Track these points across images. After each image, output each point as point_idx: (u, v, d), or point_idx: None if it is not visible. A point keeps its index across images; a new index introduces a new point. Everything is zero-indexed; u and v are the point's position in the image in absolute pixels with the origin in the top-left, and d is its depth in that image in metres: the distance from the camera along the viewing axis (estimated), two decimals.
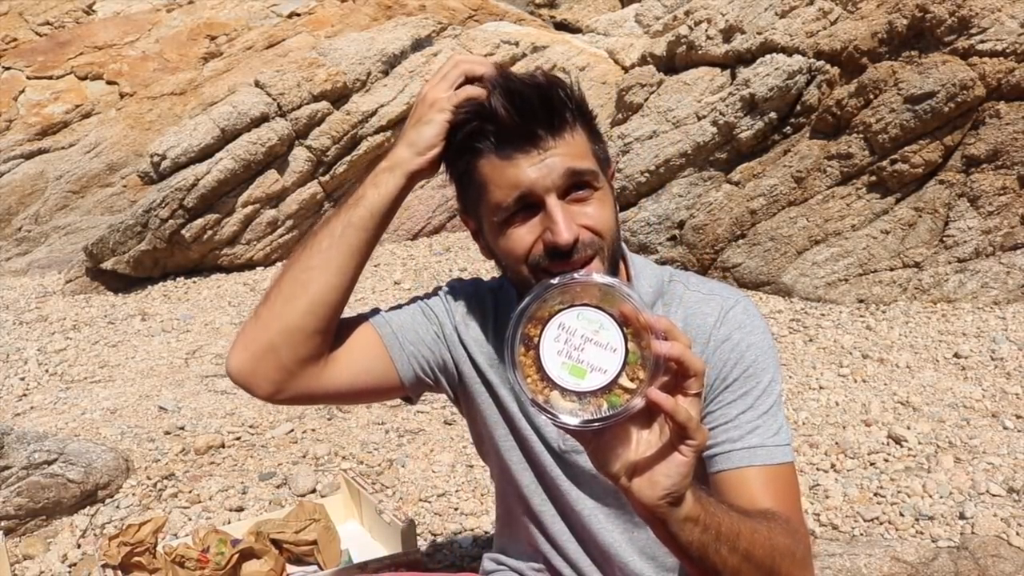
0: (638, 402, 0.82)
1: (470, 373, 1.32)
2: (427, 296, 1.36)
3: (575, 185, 1.11)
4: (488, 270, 5.17)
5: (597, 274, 0.86)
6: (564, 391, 0.82)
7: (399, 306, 1.35)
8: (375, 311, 1.32)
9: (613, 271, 1.17)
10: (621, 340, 0.82)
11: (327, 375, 1.23)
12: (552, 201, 1.10)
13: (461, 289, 1.36)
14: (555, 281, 0.85)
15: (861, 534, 2.36)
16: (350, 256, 1.19)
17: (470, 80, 1.16)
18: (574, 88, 1.15)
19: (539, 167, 1.09)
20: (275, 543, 2.26)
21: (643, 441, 0.86)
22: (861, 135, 4.08)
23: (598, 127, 1.20)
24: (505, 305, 1.31)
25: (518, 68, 5.00)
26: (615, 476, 0.87)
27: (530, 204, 1.11)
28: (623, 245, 1.26)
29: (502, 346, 1.26)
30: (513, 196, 1.10)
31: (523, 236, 1.12)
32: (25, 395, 3.79)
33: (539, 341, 0.83)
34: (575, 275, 0.85)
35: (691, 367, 0.83)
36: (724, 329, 1.22)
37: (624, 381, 0.82)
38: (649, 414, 0.85)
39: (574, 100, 1.13)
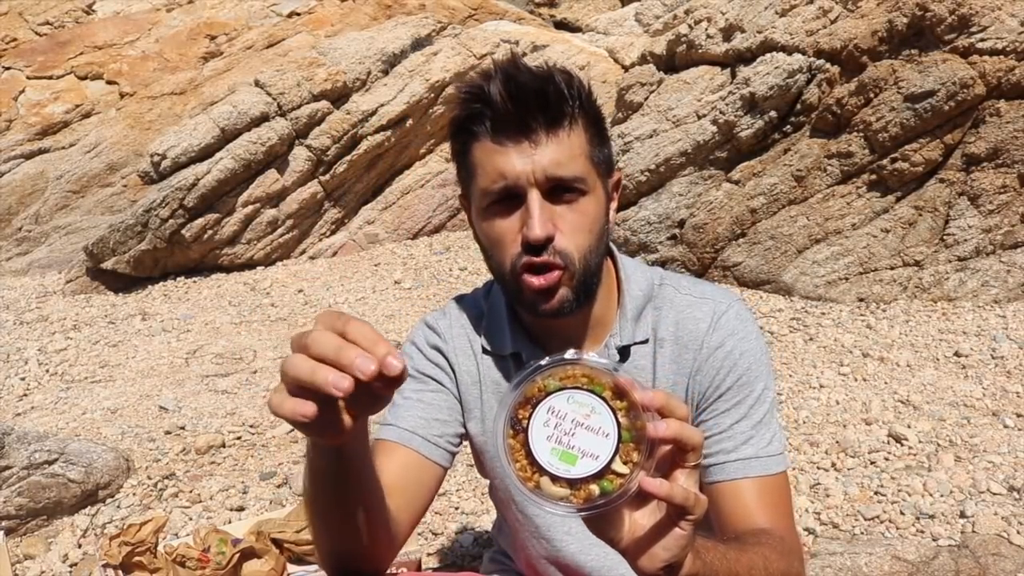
0: (632, 487, 0.79)
1: (464, 400, 1.31)
2: (410, 357, 1.30)
3: (560, 187, 1.10)
4: (487, 270, 5.16)
5: (588, 355, 0.83)
6: (555, 477, 0.79)
7: (399, 398, 1.28)
8: (387, 426, 1.26)
9: (586, 289, 1.15)
10: (613, 424, 0.79)
11: (402, 522, 1.19)
12: (533, 195, 1.09)
13: (444, 316, 1.33)
14: (544, 362, 0.82)
15: (862, 533, 2.36)
16: (345, 512, 1.05)
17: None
18: (582, 85, 1.12)
19: (526, 160, 1.08)
20: (276, 543, 2.26)
21: (638, 520, 0.84)
22: (861, 134, 4.08)
23: (605, 129, 1.17)
24: (496, 310, 1.30)
25: None
26: (613, 546, 0.86)
27: (514, 195, 1.10)
28: (612, 247, 1.25)
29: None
30: (498, 185, 1.10)
31: (505, 229, 1.12)
32: (25, 395, 3.79)
33: (528, 425, 0.80)
34: (565, 356, 0.82)
35: (688, 443, 0.80)
36: (717, 336, 1.20)
37: (617, 466, 0.79)
38: (645, 495, 0.83)
39: (577, 97, 1.11)
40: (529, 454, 0.80)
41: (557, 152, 1.08)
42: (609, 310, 1.23)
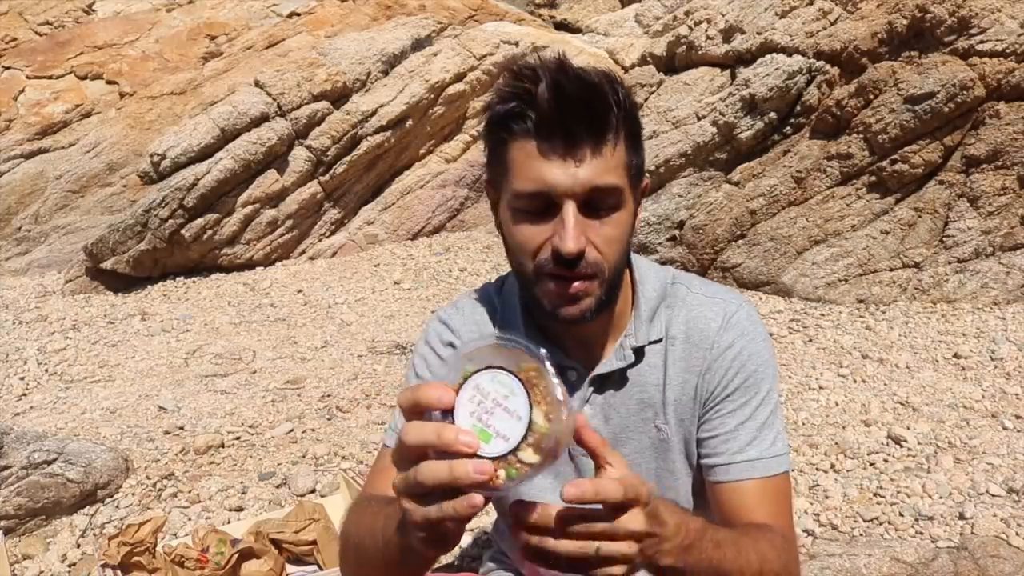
0: (533, 474, 0.78)
1: None
2: (424, 359, 1.30)
3: (597, 199, 1.08)
4: (488, 271, 5.17)
5: (549, 368, 0.81)
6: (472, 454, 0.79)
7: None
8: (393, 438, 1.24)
9: (609, 298, 1.15)
10: (527, 409, 0.79)
11: None
12: (569, 208, 1.06)
13: (458, 313, 1.32)
14: (502, 343, 0.82)
15: (861, 534, 2.36)
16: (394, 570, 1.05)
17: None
18: (625, 90, 1.10)
19: (567, 172, 1.05)
20: (275, 543, 2.26)
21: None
22: (861, 135, 4.08)
23: (641, 133, 1.16)
24: (509, 308, 1.28)
25: None
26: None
27: (549, 203, 1.08)
28: (628, 250, 1.25)
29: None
30: (533, 190, 1.07)
31: (534, 234, 1.10)
32: (25, 395, 3.78)
33: (456, 401, 0.81)
34: (536, 349, 0.82)
35: (606, 502, 0.81)
36: (727, 336, 1.21)
37: (525, 454, 0.78)
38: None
39: (622, 106, 1.08)
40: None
41: (598, 167, 1.06)
42: (624, 310, 1.24)
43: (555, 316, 1.13)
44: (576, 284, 1.09)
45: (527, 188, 1.08)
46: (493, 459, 0.78)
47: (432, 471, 0.79)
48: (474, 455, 0.78)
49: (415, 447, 0.80)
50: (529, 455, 0.78)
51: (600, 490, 0.81)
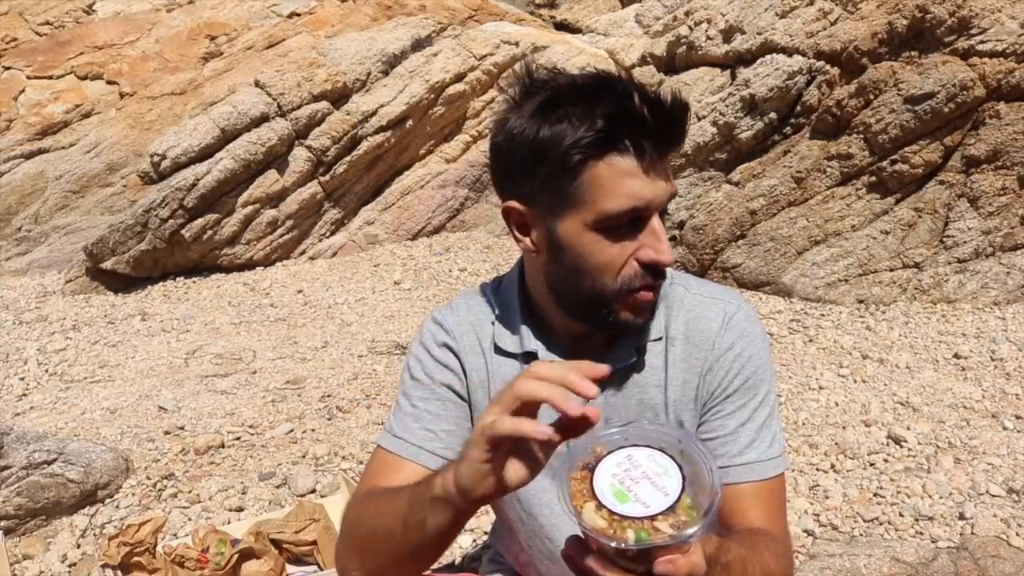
0: (661, 541, 0.78)
1: (472, 400, 1.29)
2: (419, 360, 1.29)
3: (664, 210, 1.13)
4: (488, 271, 5.17)
5: (696, 445, 0.85)
6: (600, 505, 0.80)
7: (407, 404, 1.26)
8: (396, 439, 1.24)
9: None
10: (679, 489, 0.79)
11: None
12: (657, 221, 1.10)
13: (453, 313, 1.31)
14: (675, 437, 0.84)
15: (861, 534, 2.36)
16: (414, 559, 1.08)
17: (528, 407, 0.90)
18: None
19: (656, 185, 1.08)
20: (275, 543, 2.26)
21: None
22: (861, 135, 4.08)
23: None
24: (508, 308, 1.28)
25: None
26: None
27: (638, 219, 1.09)
28: None
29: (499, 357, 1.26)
30: (626, 207, 1.07)
31: (620, 252, 1.10)
32: (25, 395, 3.78)
33: (600, 461, 0.83)
34: (681, 438, 0.84)
35: None
36: (728, 337, 1.22)
37: (662, 524, 0.78)
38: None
39: None
40: (590, 482, 0.82)
41: (671, 175, 1.11)
42: None
43: (633, 328, 1.17)
44: (654, 291, 1.14)
45: (623, 206, 1.07)
46: (623, 517, 0.78)
47: (506, 422, 0.86)
48: (582, 417, 0.82)
49: (531, 400, 0.86)
50: (665, 527, 0.78)
51: (693, 572, 0.81)
